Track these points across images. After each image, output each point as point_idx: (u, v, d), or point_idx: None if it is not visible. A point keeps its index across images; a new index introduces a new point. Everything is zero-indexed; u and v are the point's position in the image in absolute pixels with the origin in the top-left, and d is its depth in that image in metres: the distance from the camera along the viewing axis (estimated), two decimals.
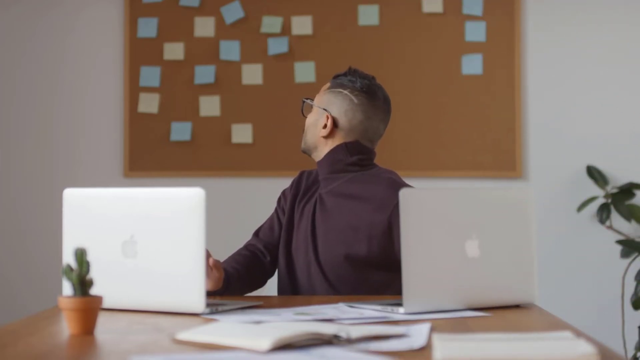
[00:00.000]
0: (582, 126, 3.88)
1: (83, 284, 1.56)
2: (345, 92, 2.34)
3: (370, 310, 1.84)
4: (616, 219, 3.80)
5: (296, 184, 2.42)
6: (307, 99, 2.44)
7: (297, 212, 2.37)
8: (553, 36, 3.90)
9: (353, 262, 2.24)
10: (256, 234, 2.43)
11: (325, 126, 2.35)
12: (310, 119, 2.40)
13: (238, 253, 2.36)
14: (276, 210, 2.44)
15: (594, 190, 3.81)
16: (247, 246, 2.39)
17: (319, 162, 2.38)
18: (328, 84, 2.39)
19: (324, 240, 2.28)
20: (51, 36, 4.00)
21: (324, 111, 2.35)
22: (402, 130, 3.88)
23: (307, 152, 2.42)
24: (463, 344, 1.33)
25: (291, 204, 2.39)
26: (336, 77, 2.39)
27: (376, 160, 2.41)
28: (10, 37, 4.00)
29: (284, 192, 2.45)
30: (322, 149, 2.37)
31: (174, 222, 1.81)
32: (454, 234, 1.87)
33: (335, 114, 2.34)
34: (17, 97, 4.00)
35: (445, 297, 1.85)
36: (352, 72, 2.37)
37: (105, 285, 1.67)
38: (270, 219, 2.44)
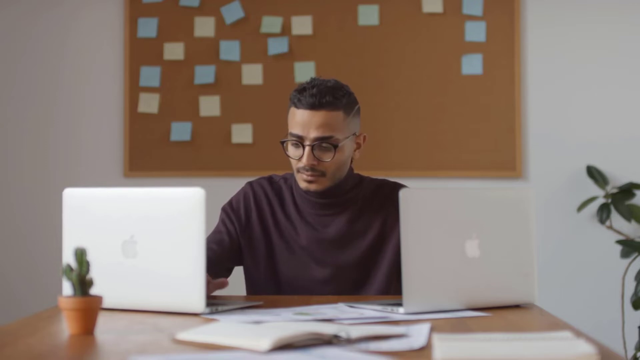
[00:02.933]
0: (582, 126, 3.88)
1: (83, 284, 1.56)
2: (357, 106, 2.28)
3: (370, 310, 1.84)
4: (616, 219, 3.80)
5: (256, 200, 2.32)
6: (333, 144, 2.18)
7: (278, 228, 2.30)
8: (553, 36, 3.90)
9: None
10: None
11: (360, 146, 2.29)
12: (343, 156, 2.22)
13: None
14: (225, 225, 2.32)
15: (594, 190, 3.81)
16: None
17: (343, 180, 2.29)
18: (342, 113, 2.19)
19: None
20: (51, 36, 4.00)
21: (354, 135, 2.26)
22: (402, 130, 3.88)
23: (332, 187, 2.27)
24: (463, 344, 1.33)
25: (259, 219, 2.31)
26: (337, 96, 2.20)
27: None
28: (10, 37, 4.00)
29: (234, 208, 2.32)
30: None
31: (174, 222, 1.81)
32: (454, 234, 1.87)
33: (359, 129, 2.30)
34: (17, 97, 4.00)
35: (445, 297, 1.85)
36: (341, 86, 2.23)
37: (105, 285, 1.67)
38: (217, 234, 2.31)
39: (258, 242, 2.31)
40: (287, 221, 2.30)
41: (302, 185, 2.24)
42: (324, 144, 2.19)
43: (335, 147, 2.19)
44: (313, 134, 2.18)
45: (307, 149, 2.18)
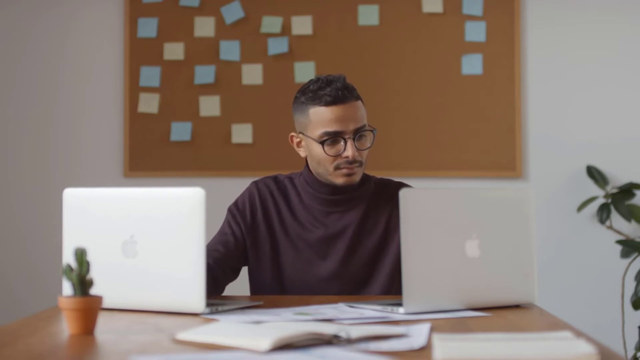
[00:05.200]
0: (582, 126, 3.88)
1: (83, 284, 1.56)
2: None
3: (370, 310, 1.84)
4: (616, 219, 3.80)
5: (261, 199, 2.33)
6: (368, 130, 2.23)
7: (283, 227, 2.30)
8: (553, 36, 3.90)
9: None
10: None
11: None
12: (369, 144, 2.25)
13: None
14: (230, 226, 2.31)
15: (594, 190, 3.81)
16: None
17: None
18: (360, 101, 2.24)
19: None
20: (51, 36, 4.00)
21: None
22: (402, 130, 3.88)
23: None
24: (463, 344, 1.33)
25: (265, 218, 2.31)
26: (351, 88, 2.24)
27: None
28: (10, 37, 4.00)
29: (239, 209, 2.32)
30: None
31: (174, 222, 1.81)
32: (454, 234, 1.87)
33: None
34: (17, 97, 4.00)
35: (445, 297, 1.85)
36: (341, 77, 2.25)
37: (105, 285, 1.67)
38: (222, 235, 2.31)
39: (263, 241, 2.31)
40: (293, 220, 2.31)
41: (341, 180, 2.24)
42: (362, 134, 2.22)
43: (372, 132, 2.23)
44: (352, 126, 2.20)
45: (349, 142, 2.20)
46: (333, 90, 2.20)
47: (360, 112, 2.23)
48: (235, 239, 2.30)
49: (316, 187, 2.30)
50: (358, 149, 2.21)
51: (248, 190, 2.37)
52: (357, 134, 2.21)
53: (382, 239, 2.29)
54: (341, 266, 2.27)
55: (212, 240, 2.30)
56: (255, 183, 2.38)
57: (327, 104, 2.20)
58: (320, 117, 2.21)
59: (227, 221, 2.34)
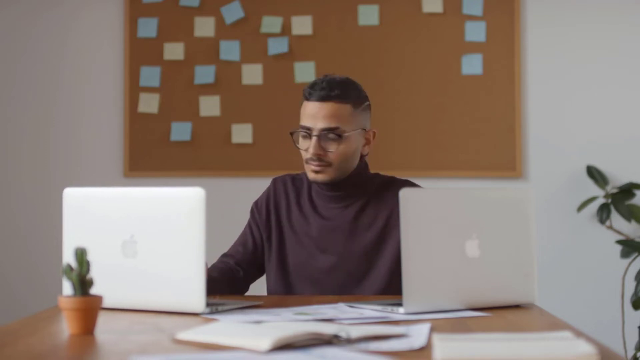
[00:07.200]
0: (582, 126, 3.88)
1: (83, 284, 1.56)
2: (367, 102, 2.33)
3: (370, 310, 1.84)
4: (616, 219, 3.80)
5: (275, 195, 2.40)
6: (339, 134, 2.24)
7: (290, 221, 2.36)
8: (553, 36, 3.90)
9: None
10: (224, 255, 2.40)
11: (369, 142, 2.33)
12: (349, 148, 2.26)
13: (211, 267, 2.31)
14: (250, 226, 2.41)
15: (594, 190, 3.81)
16: (219, 262, 2.38)
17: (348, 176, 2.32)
18: (350, 106, 2.25)
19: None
20: (51, 36, 4.00)
21: (363, 130, 2.31)
22: (402, 130, 3.88)
23: (340, 179, 2.31)
24: (463, 344, 1.33)
25: (276, 214, 2.38)
26: (347, 91, 2.26)
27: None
28: (10, 37, 4.00)
29: (258, 207, 2.41)
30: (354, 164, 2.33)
31: (174, 222, 1.81)
32: (454, 234, 1.87)
33: (369, 125, 2.34)
34: (17, 97, 4.00)
35: (445, 297, 1.85)
36: (352, 82, 2.30)
37: (105, 285, 1.67)
38: (243, 235, 2.42)
39: (273, 234, 2.38)
40: (299, 214, 2.36)
41: (310, 176, 2.30)
42: (330, 135, 2.25)
43: (340, 136, 2.25)
44: (320, 124, 2.24)
45: (314, 139, 2.25)
46: (322, 87, 2.25)
47: (338, 114, 2.25)
48: (254, 239, 2.39)
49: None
50: (324, 149, 2.25)
51: (267, 189, 2.45)
52: (322, 133, 2.24)
53: (380, 235, 2.31)
54: (339, 259, 2.30)
55: (235, 241, 2.42)
56: (273, 181, 2.46)
57: (309, 99, 2.27)
58: (302, 111, 2.29)
59: (248, 222, 2.44)
